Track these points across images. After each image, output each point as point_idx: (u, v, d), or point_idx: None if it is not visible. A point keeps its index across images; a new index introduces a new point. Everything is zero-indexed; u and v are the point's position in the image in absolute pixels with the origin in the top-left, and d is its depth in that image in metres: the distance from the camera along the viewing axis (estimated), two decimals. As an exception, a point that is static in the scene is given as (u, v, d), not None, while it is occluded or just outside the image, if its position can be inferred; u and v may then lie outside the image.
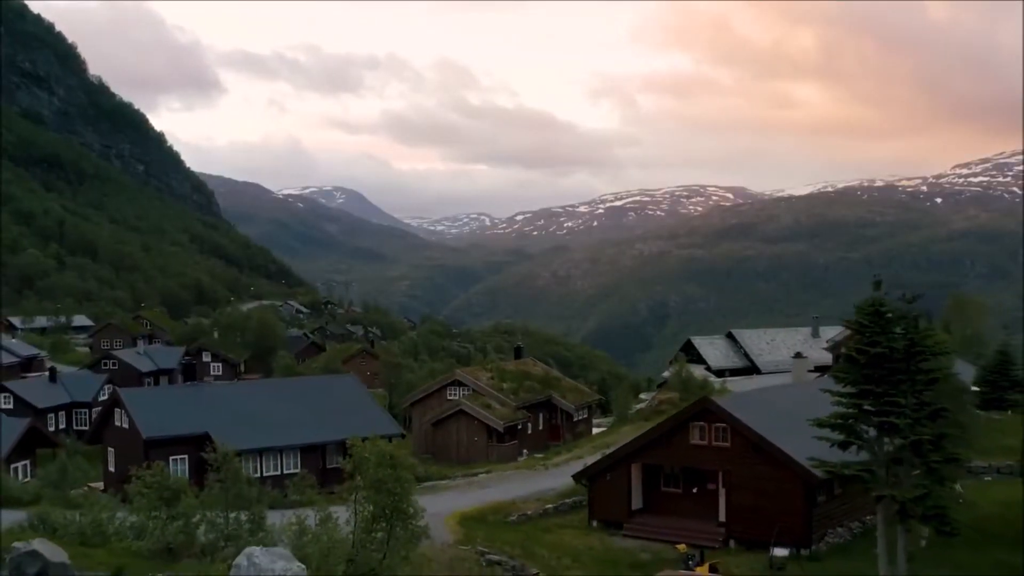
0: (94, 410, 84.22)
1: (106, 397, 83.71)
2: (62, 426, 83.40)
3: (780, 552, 32.94)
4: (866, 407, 26.55)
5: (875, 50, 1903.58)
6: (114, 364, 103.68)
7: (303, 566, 13.71)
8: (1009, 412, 60.78)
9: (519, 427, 63.58)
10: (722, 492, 36.71)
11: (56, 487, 40.17)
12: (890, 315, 26.60)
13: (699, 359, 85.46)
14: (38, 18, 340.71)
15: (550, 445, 64.69)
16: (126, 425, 46.63)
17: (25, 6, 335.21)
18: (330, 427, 48.06)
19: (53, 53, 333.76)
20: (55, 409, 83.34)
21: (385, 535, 22.91)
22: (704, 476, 37.83)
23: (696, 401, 39.13)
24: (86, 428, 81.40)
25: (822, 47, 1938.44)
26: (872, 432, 27.01)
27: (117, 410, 48.58)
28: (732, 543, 35.93)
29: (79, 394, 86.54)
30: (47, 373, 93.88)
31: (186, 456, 43.99)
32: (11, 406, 78.00)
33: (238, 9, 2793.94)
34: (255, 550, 13.47)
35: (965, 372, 64.46)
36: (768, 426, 35.44)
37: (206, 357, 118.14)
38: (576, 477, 40.99)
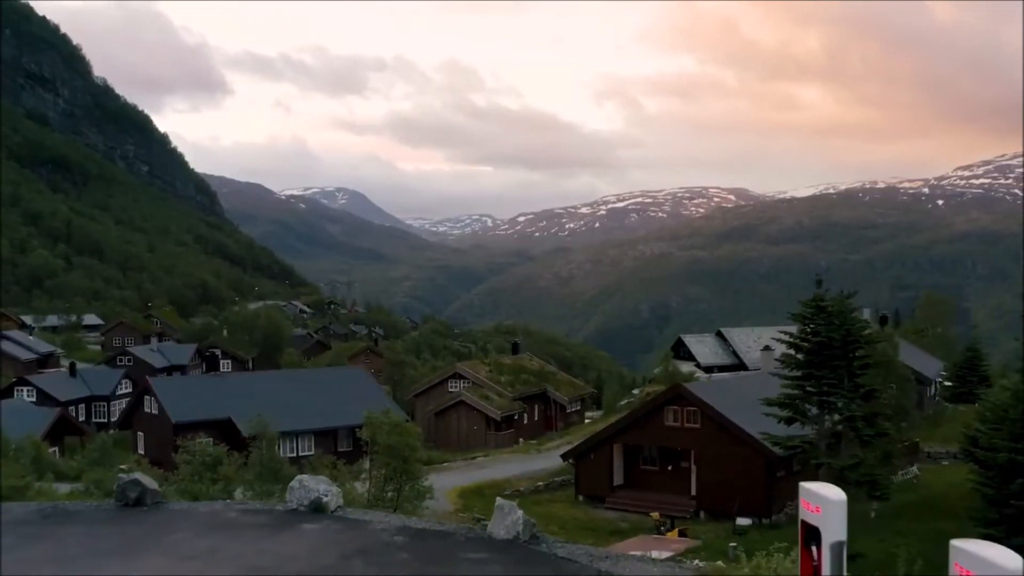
0: (112, 403, 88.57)
1: (124, 391, 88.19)
2: (82, 418, 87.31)
3: (743, 521, 37.25)
4: (808, 388, 30.84)
5: (879, 52, 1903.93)
6: (129, 360, 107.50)
7: (340, 490, 17.96)
8: (976, 405, 64.65)
9: (515, 417, 67.89)
10: (693, 469, 41.04)
11: (98, 464, 44.32)
12: (830, 309, 30.83)
13: (690, 357, 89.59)
14: (43, 20, 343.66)
15: (545, 434, 68.95)
16: (155, 411, 50.91)
17: (31, 8, 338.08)
18: (341, 414, 52.24)
19: (58, 54, 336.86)
20: (75, 402, 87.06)
21: (395, 493, 27.12)
22: (678, 455, 42.18)
23: (670, 387, 43.51)
24: (104, 420, 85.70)
25: (826, 48, 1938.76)
26: (814, 410, 31.30)
27: (147, 398, 52.87)
28: (702, 514, 40.22)
29: (98, 388, 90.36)
30: (63, 368, 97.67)
31: (211, 440, 48.04)
32: (34, 399, 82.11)
33: (246, 10, 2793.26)
34: (304, 476, 17.71)
35: (932, 366, 68.82)
36: (734, 410, 39.72)
37: (216, 354, 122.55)
38: (564, 456, 45.36)
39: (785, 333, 33.87)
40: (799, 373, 31.31)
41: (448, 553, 14.03)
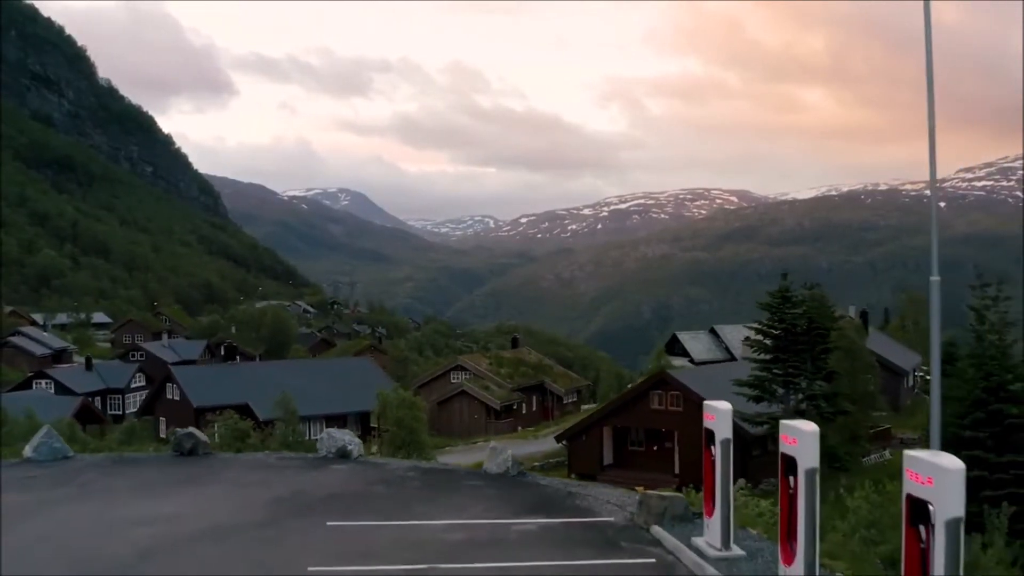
0: (127, 396, 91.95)
1: (137, 384, 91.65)
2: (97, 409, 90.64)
3: (721, 496, 40.55)
4: (775, 371, 34.23)
5: (882, 53, 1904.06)
6: (141, 355, 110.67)
7: (360, 441, 21.49)
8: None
9: (514, 407, 71.34)
10: (676, 449, 44.40)
11: (127, 444, 47.55)
12: (795, 299, 34.23)
13: (684, 352, 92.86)
14: (48, 21, 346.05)
15: (542, 423, 72.42)
16: (177, 397, 54.34)
17: (36, 9, 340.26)
18: (351, 400, 55.60)
19: (63, 56, 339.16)
20: (91, 394, 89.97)
21: (403, 461, 30.45)
22: (662, 436, 45.54)
23: (654, 374, 46.90)
24: (119, 412, 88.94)
25: (830, 50, 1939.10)
26: (780, 390, 34.70)
27: (169, 384, 56.28)
28: (684, 491, 43.48)
29: (113, 381, 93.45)
30: (76, 363, 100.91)
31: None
32: (52, 391, 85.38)
33: (255, 11, 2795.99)
34: (331, 430, 21.26)
35: (911, 360, 72.13)
36: (714, 394, 42.90)
37: (233, 346, 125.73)
38: (558, 438, 48.78)
39: (761, 323, 37.18)
40: (768, 357, 34.68)
41: (451, 482, 17.73)
